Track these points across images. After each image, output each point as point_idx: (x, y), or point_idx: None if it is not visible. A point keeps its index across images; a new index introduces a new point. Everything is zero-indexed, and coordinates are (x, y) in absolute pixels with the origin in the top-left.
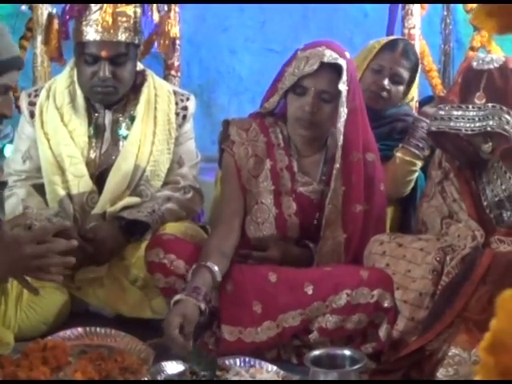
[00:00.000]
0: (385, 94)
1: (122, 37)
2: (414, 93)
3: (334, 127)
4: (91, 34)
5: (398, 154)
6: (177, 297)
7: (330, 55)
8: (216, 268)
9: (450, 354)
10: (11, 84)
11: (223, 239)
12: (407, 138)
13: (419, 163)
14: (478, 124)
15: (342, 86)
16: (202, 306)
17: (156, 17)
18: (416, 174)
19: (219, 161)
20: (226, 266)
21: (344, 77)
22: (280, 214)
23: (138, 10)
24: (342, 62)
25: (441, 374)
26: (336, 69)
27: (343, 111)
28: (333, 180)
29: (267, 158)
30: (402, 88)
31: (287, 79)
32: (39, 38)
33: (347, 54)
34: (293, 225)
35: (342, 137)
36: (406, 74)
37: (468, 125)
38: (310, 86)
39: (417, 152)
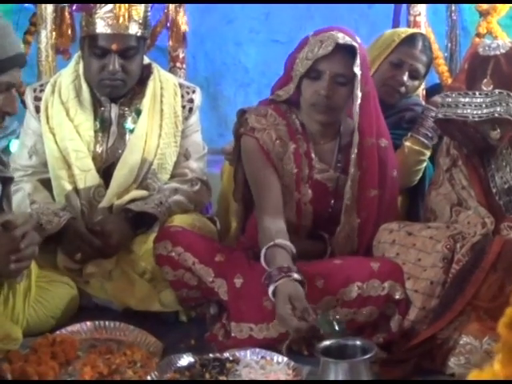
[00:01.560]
0: (403, 89)
1: (133, 30)
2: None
3: (349, 112)
4: (102, 26)
5: (407, 143)
6: (271, 288)
7: (343, 37)
8: (284, 242)
9: (461, 342)
10: (14, 82)
11: (275, 219)
12: (416, 127)
13: (428, 153)
14: (485, 110)
15: (357, 69)
16: (297, 276)
17: (170, 12)
18: (424, 164)
19: (235, 151)
20: (289, 239)
21: (358, 59)
22: (299, 201)
23: (148, 4)
24: (356, 45)
25: (452, 363)
26: (350, 52)
27: (358, 95)
28: (351, 165)
29: (290, 141)
30: (417, 83)
31: (300, 65)
32: (43, 33)
33: (358, 39)
34: (307, 212)
35: (357, 121)
36: (423, 70)
37: (475, 111)
38: (325, 69)
39: (426, 141)
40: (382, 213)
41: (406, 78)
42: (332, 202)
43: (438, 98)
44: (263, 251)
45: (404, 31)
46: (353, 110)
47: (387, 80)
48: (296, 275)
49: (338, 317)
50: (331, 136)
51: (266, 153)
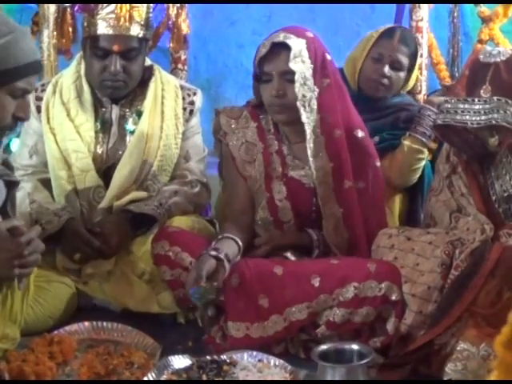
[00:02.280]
0: (385, 81)
1: (135, 31)
2: (415, 80)
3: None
4: (104, 27)
5: (406, 142)
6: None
7: (282, 36)
8: (233, 235)
9: (458, 348)
10: (29, 88)
11: (233, 224)
12: (414, 126)
13: (426, 151)
14: (483, 117)
15: (294, 65)
16: (212, 252)
17: (172, 14)
18: (423, 162)
19: (217, 150)
20: (245, 238)
21: (297, 54)
22: (271, 198)
23: (151, 5)
24: (295, 41)
25: (449, 369)
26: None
27: (302, 89)
28: (311, 159)
29: (259, 142)
30: (402, 74)
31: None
32: (46, 32)
33: (309, 34)
34: (284, 209)
35: (308, 114)
36: (405, 60)
37: (474, 118)
38: (270, 70)
39: (424, 140)
40: (368, 202)
41: (387, 69)
42: (314, 199)
43: (434, 98)
44: (213, 242)
45: (383, 27)
46: (296, 105)
47: (370, 75)
48: (212, 252)
49: (210, 286)
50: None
51: (233, 158)
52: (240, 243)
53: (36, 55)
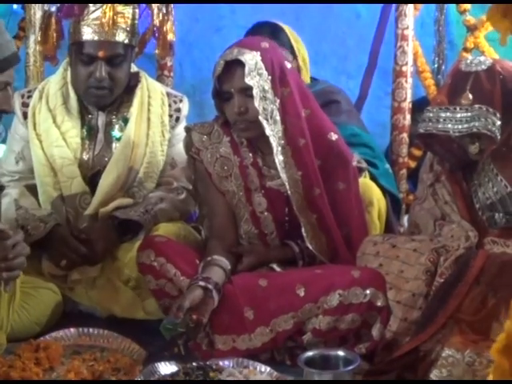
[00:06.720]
0: None
1: (120, 37)
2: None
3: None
4: (89, 33)
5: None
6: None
7: (235, 52)
8: (219, 257)
9: (443, 355)
10: (10, 80)
11: (219, 240)
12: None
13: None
14: (465, 125)
15: (250, 81)
16: (201, 283)
17: (157, 20)
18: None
19: (189, 167)
20: (231, 258)
21: (253, 69)
22: (253, 211)
23: (137, 11)
24: (248, 56)
25: (434, 375)
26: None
27: (262, 103)
28: (280, 170)
29: (234, 155)
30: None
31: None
32: (32, 38)
33: (264, 45)
34: (266, 221)
35: (272, 127)
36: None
37: (456, 126)
38: (229, 88)
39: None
40: (349, 202)
41: None
42: (286, 209)
43: None
44: (201, 264)
45: None
46: (258, 119)
47: None
48: (201, 282)
49: (179, 322)
50: None
51: (209, 174)
52: (228, 267)
53: (13, 47)
